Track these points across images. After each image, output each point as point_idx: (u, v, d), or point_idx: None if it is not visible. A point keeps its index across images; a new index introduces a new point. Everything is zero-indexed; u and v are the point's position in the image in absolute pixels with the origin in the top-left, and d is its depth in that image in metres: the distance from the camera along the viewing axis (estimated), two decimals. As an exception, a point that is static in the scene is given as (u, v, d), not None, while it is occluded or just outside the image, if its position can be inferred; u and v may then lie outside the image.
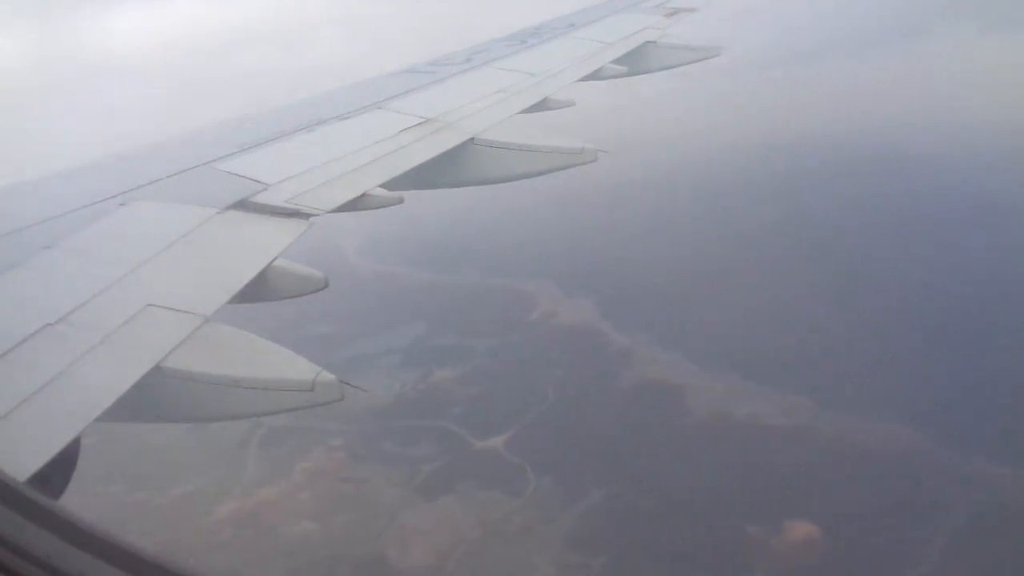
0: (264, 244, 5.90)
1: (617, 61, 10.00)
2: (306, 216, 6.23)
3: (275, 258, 5.74)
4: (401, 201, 6.71)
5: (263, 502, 19.37)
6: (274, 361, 4.84)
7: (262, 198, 6.43)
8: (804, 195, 31.67)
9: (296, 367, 4.75)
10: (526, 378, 23.04)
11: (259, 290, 5.62)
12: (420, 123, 7.93)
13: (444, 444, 20.31)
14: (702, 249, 29.20)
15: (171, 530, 19.06)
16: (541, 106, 8.64)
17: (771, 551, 15.46)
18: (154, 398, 4.54)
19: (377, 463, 20.00)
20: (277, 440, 21.87)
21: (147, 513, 19.79)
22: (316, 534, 17.96)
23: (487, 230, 31.98)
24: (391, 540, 17.26)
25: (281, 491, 19.65)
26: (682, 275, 27.53)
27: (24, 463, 3.58)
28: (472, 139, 7.73)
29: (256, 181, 6.69)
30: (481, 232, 32.10)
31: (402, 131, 7.75)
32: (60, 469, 4.12)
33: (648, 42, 10.57)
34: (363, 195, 6.65)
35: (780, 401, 19.70)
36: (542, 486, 18.30)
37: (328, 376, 4.61)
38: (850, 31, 47.26)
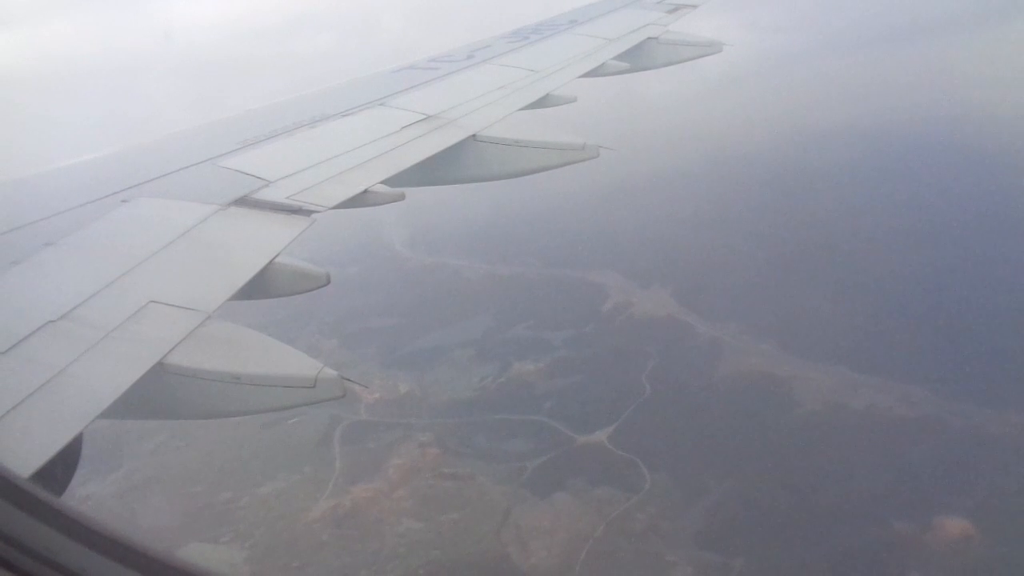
0: (266, 241, 5.76)
1: (619, 57, 9.81)
2: (308, 213, 6.12)
3: (277, 255, 5.58)
4: (403, 198, 6.59)
5: (360, 500, 18.45)
6: (276, 357, 4.79)
7: (264, 195, 6.30)
8: (823, 186, 30.74)
9: (298, 363, 4.70)
10: (615, 370, 22.13)
11: (261, 287, 5.49)
12: (422, 119, 7.80)
13: (544, 439, 19.39)
14: (757, 238, 28.35)
15: (265, 531, 18.17)
16: (543, 102, 8.50)
17: (926, 549, 14.52)
18: (157, 395, 4.49)
19: (476, 459, 19.08)
20: (359, 436, 21.01)
21: (235, 513, 18.92)
22: (424, 534, 17.04)
23: (527, 223, 31.14)
24: (510, 539, 16.32)
25: (377, 488, 18.72)
26: (748, 264, 26.68)
27: (27, 460, 3.51)
28: (474, 135, 7.59)
29: (258, 178, 6.55)
30: (522, 225, 31.26)
31: (404, 128, 7.60)
32: (63, 466, 4.11)
33: (650, 38, 10.35)
34: (365, 192, 6.50)
35: (897, 391, 18.76)
36: (659, 482, 17.36)
37: (330, 372, 4.57)
38: (854, 26, 46.65)
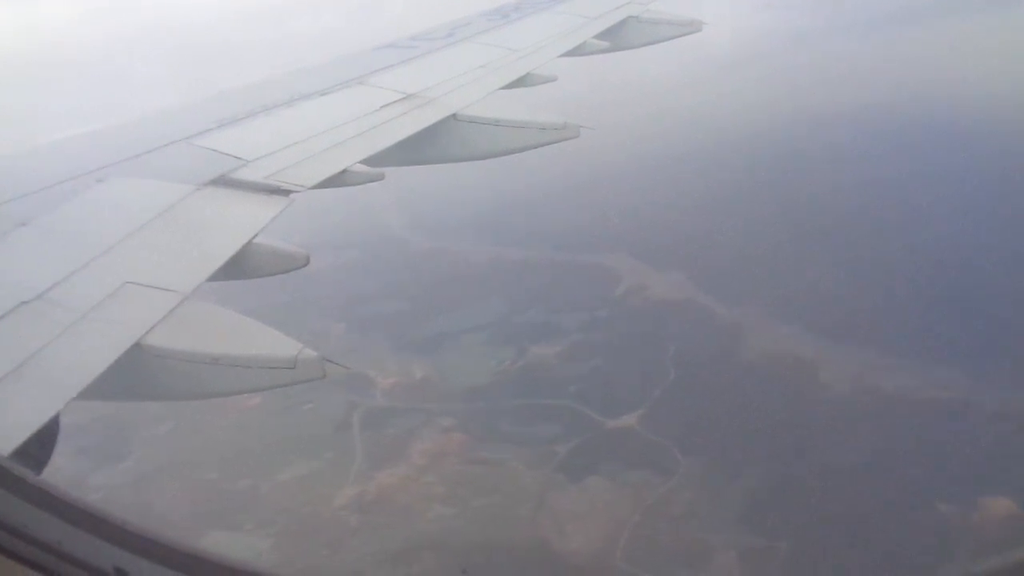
0: (244, 221, 5.77)
1: (599, 36, 9.86)
2: (286, 192, 6.10)
3: (256, 235, 5.57)
4: (382, 177, 6.63)
5: (386, 486, 18.20)
6: (255, 338, 4.79)
7: (241, 174, 6.27)
8: (834, 167, 30.70)
9: (278, 344, 4.71)
10: (637, 354, 22.03)
11: (240, 267, 5.50)
12: (401, 99, 7.80)
13: (571, 423, 19.24)
14: (768, 220, 28.19)
15: (289, 518, 17.90)
16: (523, 82, 8.55)
17: (972, 529, 14.58)
18: (134, 376, 4.48)
19: (503, 444, 18.89)
20: (379, 421, 20.75)
21: (256, 500, 18.64)
22: (457, 519, 16.84)
23: (525, 205, 30.83)
24: (547, 525, 16.17)
25: (403, 474, 18.48)
26: (762, 246, 26.57)
27: (3, 442, 3.47)
28: (454, 115, 7.62)
29: (235, 157, 6.50)
30: (521, 207, 30.93)
31: (383, 107, 7.62)
32: (40, 448, 4.12)
33: (630, 17, 10.39)
34: (344, 171, 6.49)
35: (927, 373, 18.78)
36: (694, 466, 17.29)
37: (311, 353, 4.57)
38: (848, 6, 46.57)
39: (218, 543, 17.23)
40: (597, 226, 29.58)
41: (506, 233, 29.93)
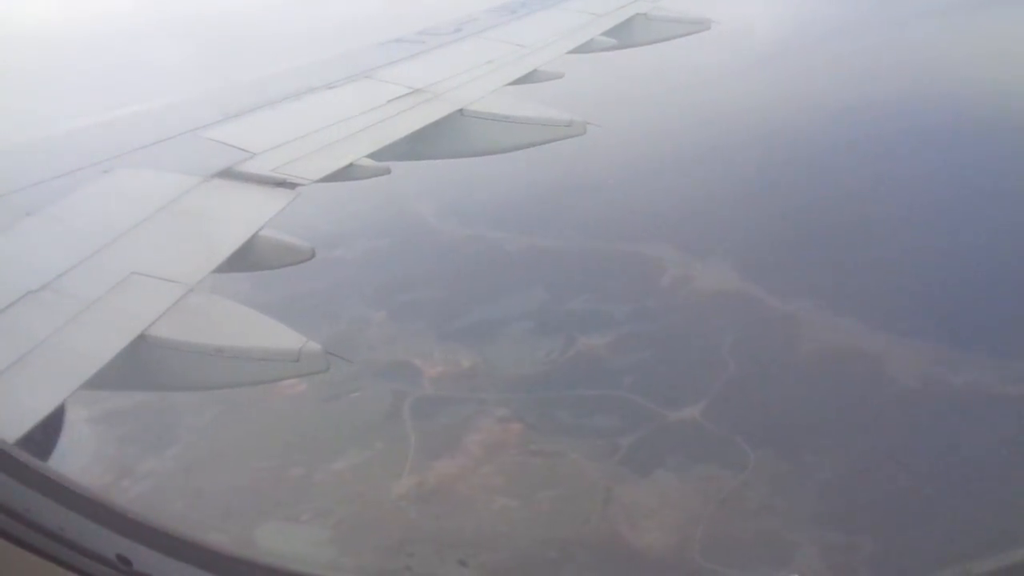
0: (250, 213, 5.79)
1: (607, 33, 9.81)
2: (292, 185, 6.08)
3: (261, 227, 5.60)
4: (388, 172, 6.62)
5: (444, 477, 17.81)
6: (260, 331, 4.81)
7: (248, 167, 6.26)
8: (867, 159, 30.21)
9: (282, 337, 4.72)
10: (690, 345, 21.61)
11: (245, 259, 5.50)
12: (409, 93, 7.80)
13: (631, 415, 18.82)
14: (808, 211, 27.71)
15: (347, 508, 17.51)
16: (530, 78, 8.55)
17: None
18: (138, 366, 4.48)
19: (563, 435, 18.48)
20: (430, 411, 20.34)
21: (311, 490, 18.24)
22: (523, 512, 16.46)
23: (555, 196, 30.30)
24: (618, 518, 15.77)
25: (461, 465, 18.09)
26: (807, 237, 26.10)
27: (8, 429, 3.45)
28: (461, 110, 7.60)
29: (242, 149, 6.49)
30: (552, 197, 30.40)
31: (390, 101, 7.61)
32: (44, 437, 4.15)
33: (639, 14, 10.33)
34: (350, 165, 6.48)
35: (997, 367, 18.36)
36: (763, 460, 16.87)
37: (314, 346, 4.58)
38: (849, 9, 46.07)
39: (276, 533, 16.88)
40: (629, 216, 29.07)
41: (536, 223, 29.40)
